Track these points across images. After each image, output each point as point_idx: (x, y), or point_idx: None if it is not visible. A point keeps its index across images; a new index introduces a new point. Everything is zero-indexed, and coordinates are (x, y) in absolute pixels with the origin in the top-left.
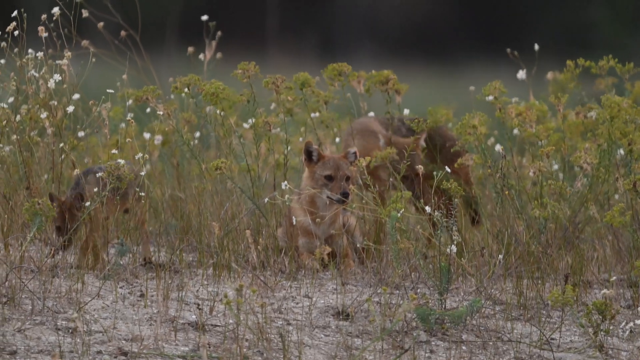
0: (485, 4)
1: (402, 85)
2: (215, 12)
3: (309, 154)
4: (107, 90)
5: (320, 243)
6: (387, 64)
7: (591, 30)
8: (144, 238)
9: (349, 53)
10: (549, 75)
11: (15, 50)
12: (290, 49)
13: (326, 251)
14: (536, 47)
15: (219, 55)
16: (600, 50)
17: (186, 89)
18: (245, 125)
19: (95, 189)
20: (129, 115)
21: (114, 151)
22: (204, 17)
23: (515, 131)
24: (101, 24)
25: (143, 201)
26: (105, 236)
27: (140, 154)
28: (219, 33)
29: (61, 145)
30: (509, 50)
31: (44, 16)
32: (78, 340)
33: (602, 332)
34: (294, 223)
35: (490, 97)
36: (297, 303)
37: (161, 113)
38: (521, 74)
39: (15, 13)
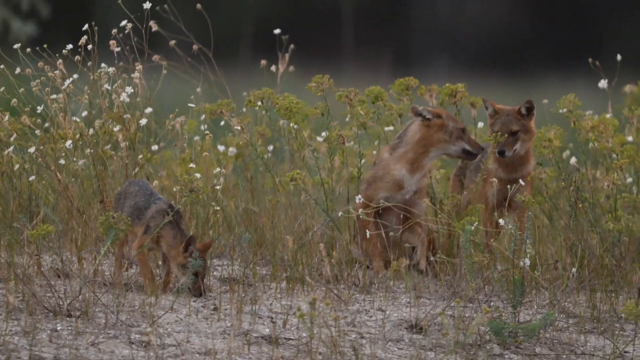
0: (562, 16)
1: (476, 99)
2: (289, 26)
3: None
4: (189, 105)
5: (409, 196)
6: (463, 77)
7: None
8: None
9: (425, 66)
10: (627, 88)
11: (89, 64)
12: (366, 62)
13: (403, 264)
14: (619, 57)
15: (291, 68)
16: None
17: (260, 103)
18: (319, 139)
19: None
20: (203, 127)
21: (191, 165)
22: (277, 31)
23: (591, 145)
24: (173, 42)
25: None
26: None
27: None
28: (292, 46)
29: (140, 157)
30: (590, 60)
31: (114, 30)
32: (151, 353)
33: None
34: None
35: (564, 110)
36: (371, 316)
37: (237, 127)
38: (602, 83)
39: (86, 27)
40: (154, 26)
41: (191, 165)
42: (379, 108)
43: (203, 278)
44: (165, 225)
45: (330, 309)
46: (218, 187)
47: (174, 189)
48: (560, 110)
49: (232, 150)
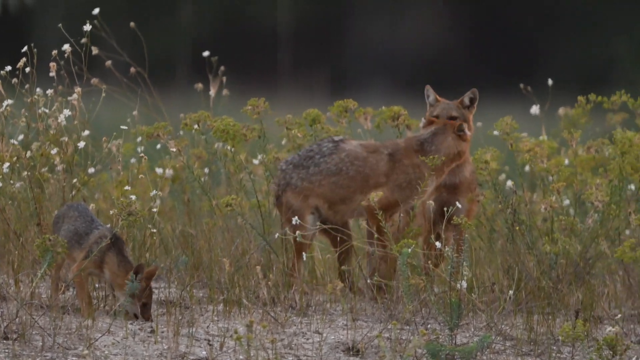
0: (498, 40)
1: (413, 120)
2: (225, 48)
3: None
4: (121, 127)
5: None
6: (399, 100)
7: (609, 66)
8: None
9: (361, 88)
10: (561, 110)
11: (26, 86)
12: (302, 84)
13: (339, 286)
14: (550, 82)
15: (225, 92)
16: (619, 87)
17: (196, 126)
18: (255, 161)
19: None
20: (140, 149)
21: (127, 187)
22: (206, 53)
23: (527, 168)
24: (109, 62)
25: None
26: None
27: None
28: (222, 68)
29: (75, 180)
30: (522, 85)
31: (54, 52)
32: None
33: None
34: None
35: (498, 132)
36: (308, 339)
37: (174, 150)
38: (534, 109)
39: (25, 49)
40: (94, 50)
41: (127, 187)
42: (316, 131)
43: (150, 305)
44: (110, 252)
45: (267, 331)
46: (155, 210)
47: (111, 212)
48: (496, 132)
49: (168, 172)
